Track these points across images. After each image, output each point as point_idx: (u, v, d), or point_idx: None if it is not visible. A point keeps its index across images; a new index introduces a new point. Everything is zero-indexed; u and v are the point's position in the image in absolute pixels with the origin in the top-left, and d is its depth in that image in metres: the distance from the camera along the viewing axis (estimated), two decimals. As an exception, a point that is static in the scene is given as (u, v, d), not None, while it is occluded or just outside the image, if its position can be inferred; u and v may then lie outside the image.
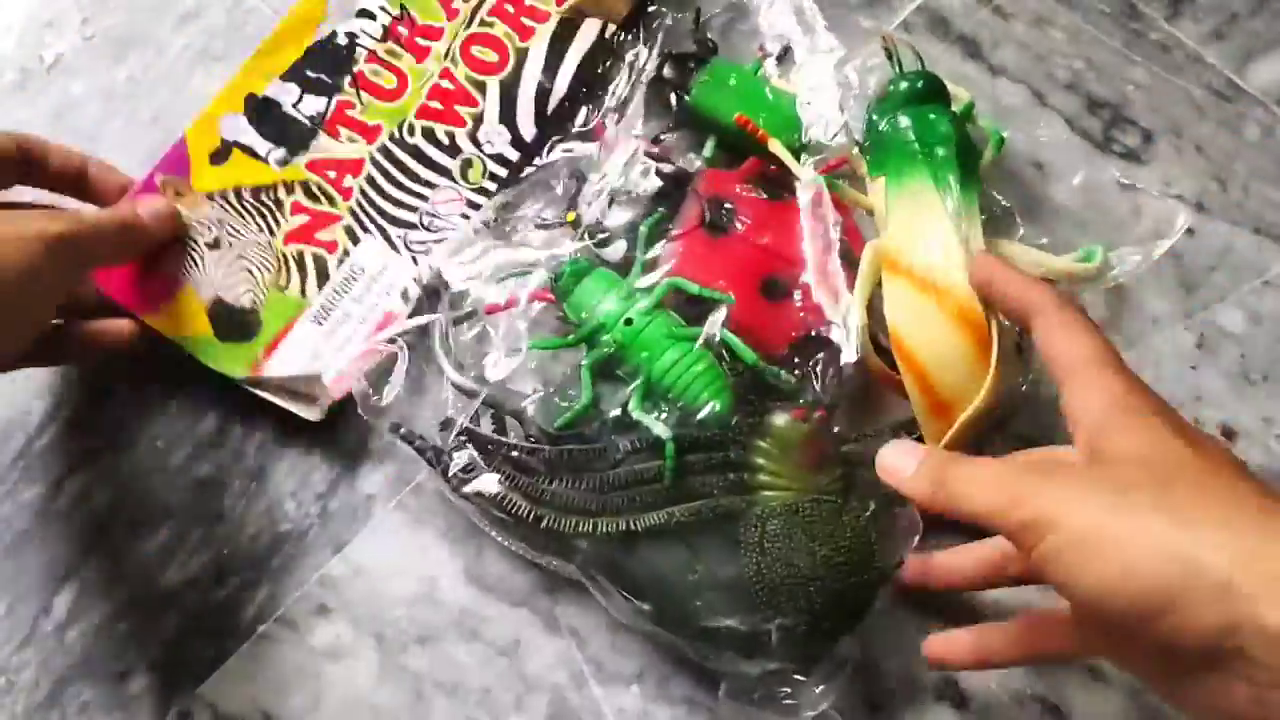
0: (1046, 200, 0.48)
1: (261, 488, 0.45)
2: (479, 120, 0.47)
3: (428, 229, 0.46)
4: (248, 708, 0.42)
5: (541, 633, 0.43)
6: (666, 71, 0.47)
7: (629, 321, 0.41)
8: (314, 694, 0.42)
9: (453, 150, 0.47)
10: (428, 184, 0.46)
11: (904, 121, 0.43)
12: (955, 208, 0.42)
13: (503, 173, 0.47)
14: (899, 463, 0.34)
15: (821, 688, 0.39)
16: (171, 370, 0.46)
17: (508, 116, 0.47)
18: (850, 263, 0.43)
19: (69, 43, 0.53)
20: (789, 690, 0.39)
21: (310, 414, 0.43)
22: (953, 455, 0.34)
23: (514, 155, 0.47)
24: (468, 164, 0.46)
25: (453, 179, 0.46)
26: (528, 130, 0.47)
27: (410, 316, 0.45)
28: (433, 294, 0.45)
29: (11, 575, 0.45)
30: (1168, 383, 0.45)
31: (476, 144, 0.47)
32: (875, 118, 0.45)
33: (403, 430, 0.42)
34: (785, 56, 0.49)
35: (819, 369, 0.42)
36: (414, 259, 0.45)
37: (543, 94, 0.47)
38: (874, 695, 0.41)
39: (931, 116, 0.43)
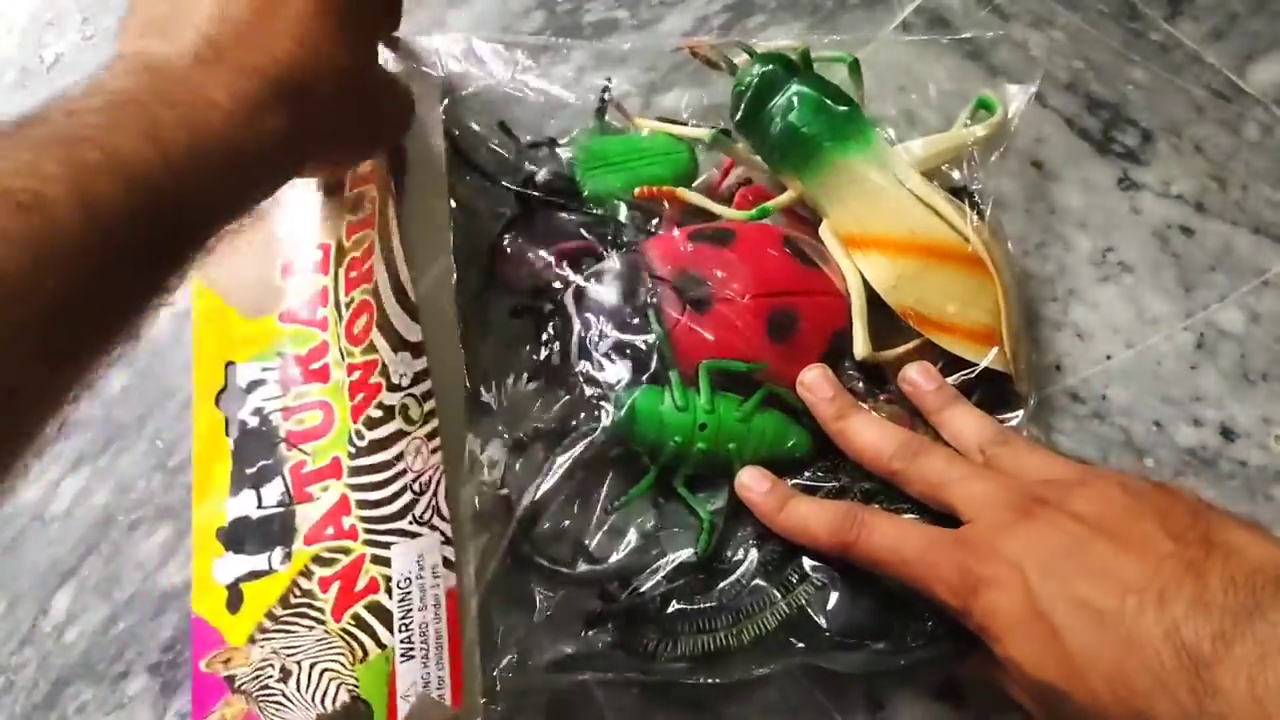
0: (1046, 200, 0.48)
1: (261, 487, 0.45)
2: (384, 370, 0.43)
3: (421, 493, 0.42)
4: (247, 707, 0.42)
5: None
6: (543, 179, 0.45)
7: (703, 427, 0.40)
8: (313, 694, 0.42)
9: (389, 414, 0.43)
10: (397, 457, 0.42)
11: (777, 118, 0.43)
12: (873, 157, 0.42)
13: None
14: (751, 481, 0.40)
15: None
16: (171, 369, 0.46)
17: (397, 341, 0.43)
18: (803, 259, 0.43)
19: (69, 42, 0.53)
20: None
21: None
22: (791, 492, 0.40)
23: (423, 365, 0.43)
24: (405, 410, 0.43)
25: (406, 433, 0.42)
26: (413, 333, 0.43)
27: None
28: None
29: (10, 575, 0.44)
30: (1167, 383, 0.45)
31: (397, 389, 0.43)
32: (749, 127, 0.44)
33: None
34: (607, 93, 0.48)
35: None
36: (430, 527, 0.42)
37: (400, 289, 0.44)
38: (874, 693, 0.41)
39: (794, 96, 0.43)
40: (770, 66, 0.43)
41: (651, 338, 0.41)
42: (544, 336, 0.43)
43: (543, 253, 0.45)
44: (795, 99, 0.43)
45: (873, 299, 0.43)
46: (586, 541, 0.40)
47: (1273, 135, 0.49)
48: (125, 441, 0.46)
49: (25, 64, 0.52)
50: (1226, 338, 0.46)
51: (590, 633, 0.39)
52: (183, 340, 0.46)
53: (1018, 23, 0.52)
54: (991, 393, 0.43)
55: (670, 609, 0.39)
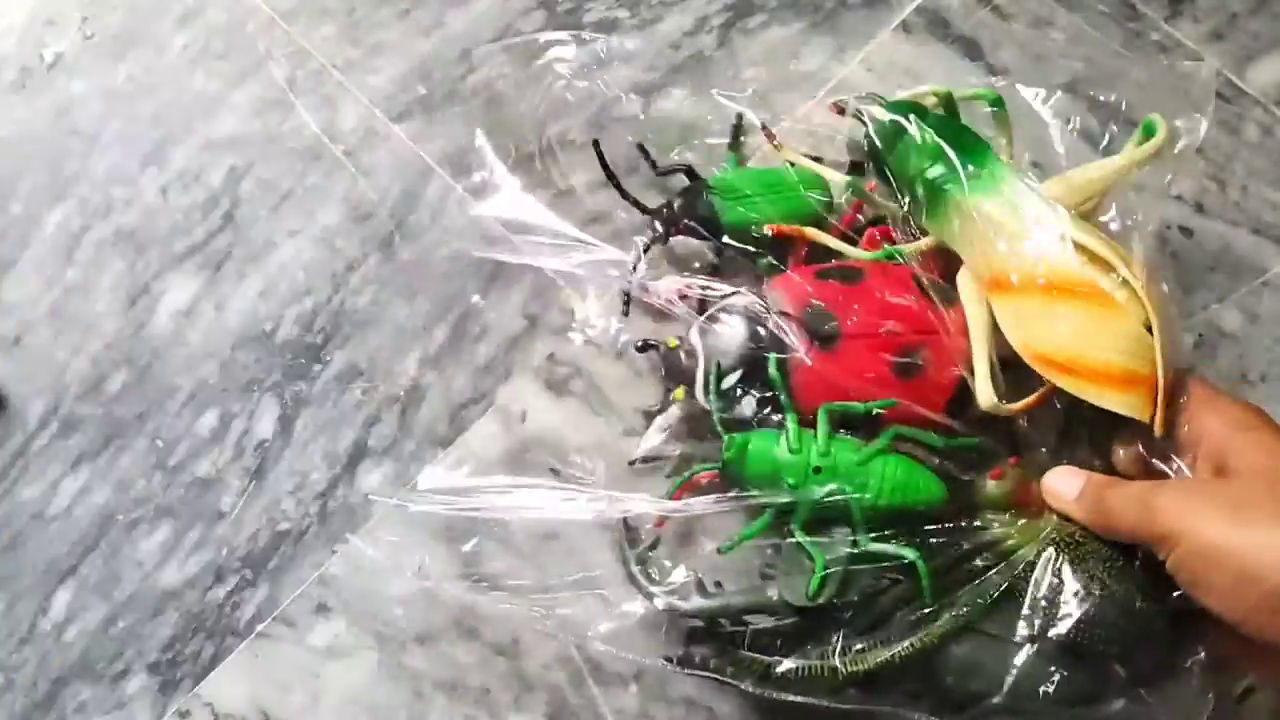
0: (1046, 200, 0.48)
1: (260, 487, 0.45)
2: None
3: None
4: (246, 707, 0.42)
5: (540, 632, 0.43)
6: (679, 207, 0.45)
7: (818, 470, 0.40)
8: (313, 693, 0.42)
9: None
10: None
11: (903, 166, 0.42)
12: (1003, 199, 0.40)
13: None
14: (1063, 487, 0.38)
15: None
16: (171, 369, 0.46)
17: None
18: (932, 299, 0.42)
19: (70, 41, 0.53)
20: None
21: None
22: (1108, 479, 0.37)
23: None
24: None
25: None
26: None
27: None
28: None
29: (10, 574, 0.45)
30: (1167, 383, 0.45)
31: None
32: (880, 175, 0.44)
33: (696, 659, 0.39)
34: (740, 124, 0.49)
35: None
36: None
37: None
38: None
39: (917, 144, 0.42)
40: (894, 116, 0.42)
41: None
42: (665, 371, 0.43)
43: (672, 284, 0.44)
44: (918, 147, 0.42)
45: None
46: (700, 575, 0.40)
47: (1273, 135, 0.49)
48: (125, 440, 0.46)
49: (25, 63, 0.52)
50: (1226, 338, 0.46)
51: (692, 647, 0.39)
52: (182, 339, 0.46)
53: (1018, 23, 0.52)
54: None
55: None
